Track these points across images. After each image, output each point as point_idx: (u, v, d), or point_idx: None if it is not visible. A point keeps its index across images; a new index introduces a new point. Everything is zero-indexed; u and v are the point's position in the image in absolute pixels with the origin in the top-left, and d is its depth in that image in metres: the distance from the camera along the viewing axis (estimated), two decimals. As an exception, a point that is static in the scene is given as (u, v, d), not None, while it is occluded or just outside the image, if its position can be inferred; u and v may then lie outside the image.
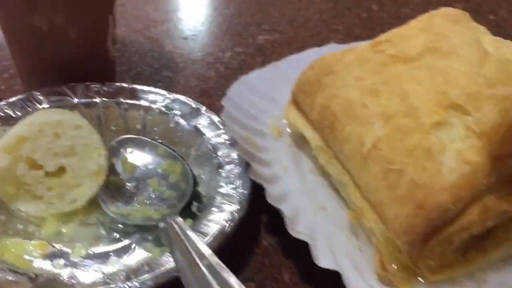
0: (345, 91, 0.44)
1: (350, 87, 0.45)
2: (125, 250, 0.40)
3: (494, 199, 0.37)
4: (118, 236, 0.42)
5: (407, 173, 0.38)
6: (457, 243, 0.37)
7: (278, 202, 0.41)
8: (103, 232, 0.42)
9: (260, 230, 0.44)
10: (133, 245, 0.41)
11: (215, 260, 0.34)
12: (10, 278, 0.33)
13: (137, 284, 0.34)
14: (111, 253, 0.40)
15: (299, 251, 0.42)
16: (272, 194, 0.41)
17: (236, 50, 0.68)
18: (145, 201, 0.44)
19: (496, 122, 0.36)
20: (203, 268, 0.34)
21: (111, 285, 0.34)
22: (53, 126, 0.42)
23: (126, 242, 0.41)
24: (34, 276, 0.33)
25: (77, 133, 0.42)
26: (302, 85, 0.49)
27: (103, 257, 0.39)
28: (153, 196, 0.45)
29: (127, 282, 0.34)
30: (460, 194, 0.36)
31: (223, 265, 0.34)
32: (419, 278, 0.39)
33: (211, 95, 0.60)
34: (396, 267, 0.39)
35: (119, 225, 0.42)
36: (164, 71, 0.63)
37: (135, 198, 0.44)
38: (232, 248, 0.40)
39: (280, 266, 0.42)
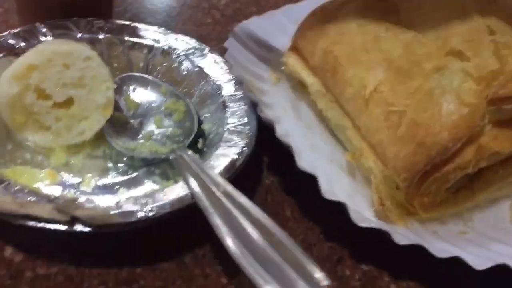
0: (348, 36, 0.46)
1: (353, 33, 0.46)
2: (133, 182, 0.41)
3: (488, 140, 0.39)
4: (124, 169, 0.43)
5: (408, 114, 0.40)
6: (452, 181, 0.40)
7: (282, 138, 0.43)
8: (110, 165, 0.43)
9: (262, 169, 0.46)
10: (141, 178, 0.42)
11: (230, 187, 0.36)
12: (30, 198, 0.33)
13: (155, 207, 0.35)
14: (119, 185, 0.41)
15: (299, 189, 0.45)
16: (278, 132, 0.43)
17: (231, -3, 0.69)
18: (151, 136, 0.45)
19: (493, 66, 0.38)
20: (219, 194, 0.35)
21: (132, 207, 0.35)
22: (63, 56, 0.42)
23: (133, 174, 0.42)
24: (54, 197, 0.34)
25: (87, 65, 0.42)
26: (304, 31, 0.50)
27: (112, 188, 0.41)
28: (158, 132, 0.46)
29: (145, 206, 0.35)
30: (458, 133, 0.38)
31: (238, 191, 0.35)
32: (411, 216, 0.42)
33: (208, 41, 0.60)
34: (392, 204, 0.41)
35: (125, 159, 0.43)
36: (160, 14, 0.63)
37: (140, 134, 0.45)
38: (235, 185, 0.42)
39: (282, 203, 0.44)
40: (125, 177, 0.42)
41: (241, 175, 0.41)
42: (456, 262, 0.37)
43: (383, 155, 0.41)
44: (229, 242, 0.32)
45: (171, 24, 0.62)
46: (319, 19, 0.49)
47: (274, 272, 0.31)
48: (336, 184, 0.42)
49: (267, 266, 0.31)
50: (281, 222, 0.36)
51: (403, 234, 0.38)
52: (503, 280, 0.39)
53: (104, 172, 0.42)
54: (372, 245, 0.40)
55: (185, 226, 0.39)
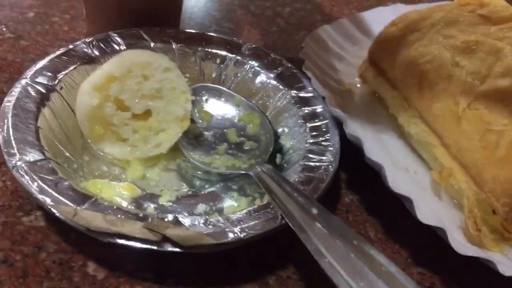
0: (435, 49, 0.43)
1: (440, 45, 0.44)
2: (211, 197, 0.40)
3: None
4: (201, 184, 0.41)
5: (508, 134, 0.37)
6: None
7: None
8: (186, 178, 0.41)
9: (340, 186, 0.44)
10: (219, 193, 0.40)
11: (321, 207, 0.34)
12: (120, 215, 0.32)
13: (246, 228, 0.33)
14: (198, 200, 0.40)
15: (380, 208, 0.43)
16: (368, 153, 0.41)
17: (295, 6, 0.67)
18: (226, 150, 0.44)
19: None
20: (311, 216, 0.33)
21: (223, 228, 0.33)
22: (142, 67, 0.41)
23: (210, 189, 0.41)
24: (143, 215, 0.33)
25: (165, 76, 0.41)
26: (383, 42, 0.48)
27: (192, 204, 0.39)
28: (233, 146, 0.44)
29: (236, 227, 0.33)
30: None
31: (330, 213, 0.34)
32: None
33: (275, 49, 0.58)
34: (486, 228, 0.39)
35: (200, 173, 0.42)
36: (225, 22, 0.62)
37: (215, 147, 0.44)
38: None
39: (365, 223, 0.42)
40: (203, 192, 0.40)
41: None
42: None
43: (478, 177, 0.39)
44: (327, 264, 0.31)
45: (236, 32, 0.60)
46: (400, 29, 0.47)
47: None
48: (425, 205, 0.40)
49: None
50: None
51: (507, 264, 0.36)
52: None
53: (181, 186, 0.41)
54: (465, 271, 0.38)
55: (268, 246, 0.38)
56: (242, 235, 0.33)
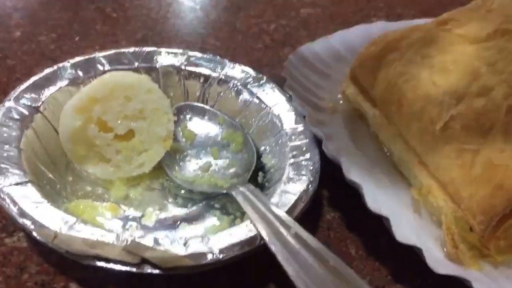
0: (413, 68, 0.44)
1: (418, 64, 0.45)
2: (194, 217, 0.41)
3: None
4: (183, 202, 0.42)
5: (483, 153, 0.38)
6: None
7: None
8: (169, 198, 0.42)
9: (322, 203, 0.45)
10: (201, 212, 0.41)
11: (300, 229, 0.34)
12: (99, 238, 0.33)
13: (225, 249, 0.34)
14: (180, 220, 0.40)
15: (361, 225, 0.43)
16: (347, 174, 0.41)
17: (281, 22, 0.68)
18: (209, 168, 0.44)
19: None
20: (289, 237, 0.34)
21: (202, 249, 0.34)
22: (125, 88, 0.41)
23: (193, 208, 0.41)
24: (123, 238, 0.33)
25: (148, 97, 0.42)
26: (364, 61, 0.49)
27: (174, 224, 0.40)
28: (216, 164, 0.45)
29: (215, 249, 0.34)
30: (541, 175, 0.36)
31: (309, 234, 0.34)
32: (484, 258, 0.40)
33: (260, 66, 0.59)
34: (464, 246, 0.39)
35: (183, 192, 0.42)
36: (211, 39, 0.63)
37: (197, 165, 0.44)
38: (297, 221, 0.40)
39: (346, 240, 0.42)
40: (185, 210, 0.41)
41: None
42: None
43: (456, 195, 0.39)
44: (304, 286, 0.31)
45: (221, 49, 0.61)
46: (380, 48, 0.48)
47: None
48: (405, 224, 0.40)
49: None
50: (345, 261, 0.34)
51: (483, 282, 0.36)
52: None
53: (164, 205, 0.41)
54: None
55: (249, 266, 0.38)
56: (220, 256, 0.33)
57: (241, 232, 0.36)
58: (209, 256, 0.33)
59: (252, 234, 0.35)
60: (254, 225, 0.36)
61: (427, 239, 0.40)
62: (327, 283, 0.31)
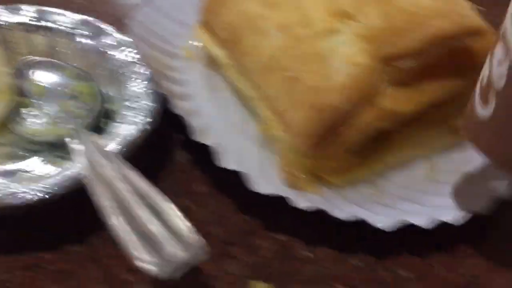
0: (245, 5, 0.45)
1: (249, 1, 0.46)
2: (34, 165, 0.41)
3: (388, 101, 0.40)
4: (28, 154, 0.42)
5: (301, 78, 0.40)
6: (354, 144, 0.40)
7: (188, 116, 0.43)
8: (17, 152, 0.42)
9: (173, 146, 0.46)
10: (43, 161, 0.42)
11: (122, 164, 0.36)
12: None
13: (48, 188, 0.35)
14: (19, 169, 0.41)
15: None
16: (182, 108, 0.43)
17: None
18: (55, 120, 0.45)
19: (380, 26, 0.39)
20: (112, 174, 0.35)
21: (24, 189, 0.35)
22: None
23: (35, 158, 0.42)
24: None
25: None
26: (210, 4, 0.50)
27: (11, 173, 0.40)
28: (63, 115, 0.45)
29: (32, 185, 0.34)
30: (350, 94, 0.38)
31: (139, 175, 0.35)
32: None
33: (105, 17, 0.57)
34: (300, 171, 0.41)
35: (30, 144, 0.43)
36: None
37: (43, 118, 0.45)
38: (140, 164, 0.40)
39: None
40: (26, 161, 0.42)
41: (149, 154, 0.41)
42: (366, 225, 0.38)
43: (284, 122, 0.41)
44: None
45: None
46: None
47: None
48: (247, 154, 0.42)
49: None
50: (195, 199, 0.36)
51: (306, 198, 0.39)
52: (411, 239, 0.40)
53: (10, 158, 0.42)
54: (286, 216, 0.41)
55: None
56: (41, 195, 0.34)
57: (68, 172, 0.37)
58: (28, 196, 0.34)
59: (76, 173, 0.36)
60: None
61: (270, 170, 0.42)
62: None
